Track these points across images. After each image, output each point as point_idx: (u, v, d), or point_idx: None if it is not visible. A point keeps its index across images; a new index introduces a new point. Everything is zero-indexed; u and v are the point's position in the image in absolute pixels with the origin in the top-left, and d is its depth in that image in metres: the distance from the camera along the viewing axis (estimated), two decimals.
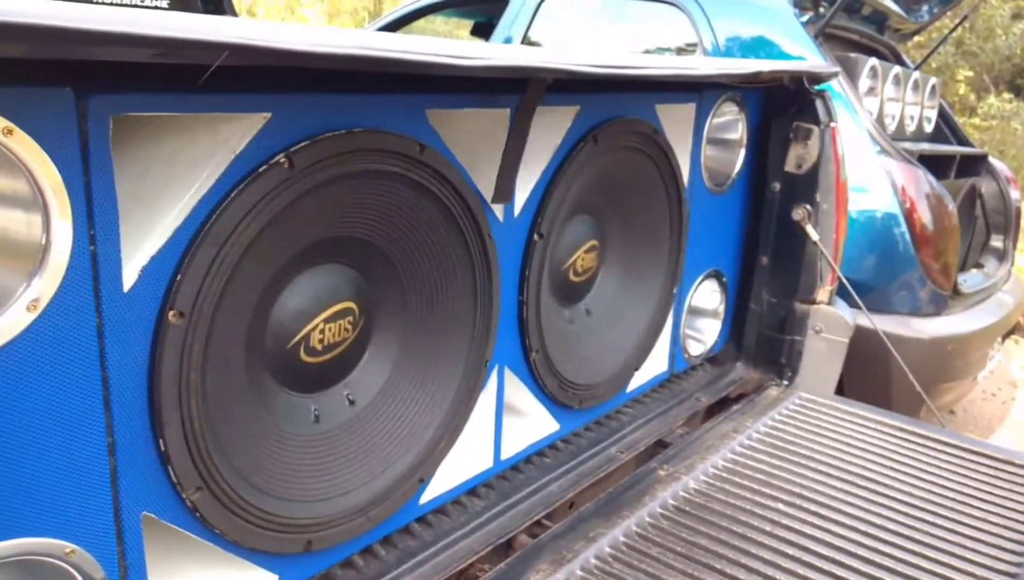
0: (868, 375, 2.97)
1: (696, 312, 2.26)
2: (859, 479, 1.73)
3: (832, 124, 2.14)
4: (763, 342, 2.35)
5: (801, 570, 1.42)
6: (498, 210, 1.49)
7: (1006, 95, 10.88)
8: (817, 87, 2.14)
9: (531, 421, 1.74)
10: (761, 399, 2.17)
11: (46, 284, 0.90)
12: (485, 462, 1.63)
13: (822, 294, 2.23)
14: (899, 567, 1.44)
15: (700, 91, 1.95)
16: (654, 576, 1.38)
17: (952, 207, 3.24)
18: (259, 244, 1.10)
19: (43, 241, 0.90)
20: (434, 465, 1.48)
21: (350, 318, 1.35)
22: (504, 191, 1.42)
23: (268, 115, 1.07)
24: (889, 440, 1.92)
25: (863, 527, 1.56)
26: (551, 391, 1.72)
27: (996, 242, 4.29)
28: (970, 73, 10.94)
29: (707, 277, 2.23)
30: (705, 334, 2.33)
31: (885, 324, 2.74)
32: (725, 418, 2.03)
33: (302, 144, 1.11)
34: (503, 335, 1.57)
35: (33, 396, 0.91)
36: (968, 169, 3.96)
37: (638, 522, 1.54)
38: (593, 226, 1.85)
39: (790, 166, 2.18)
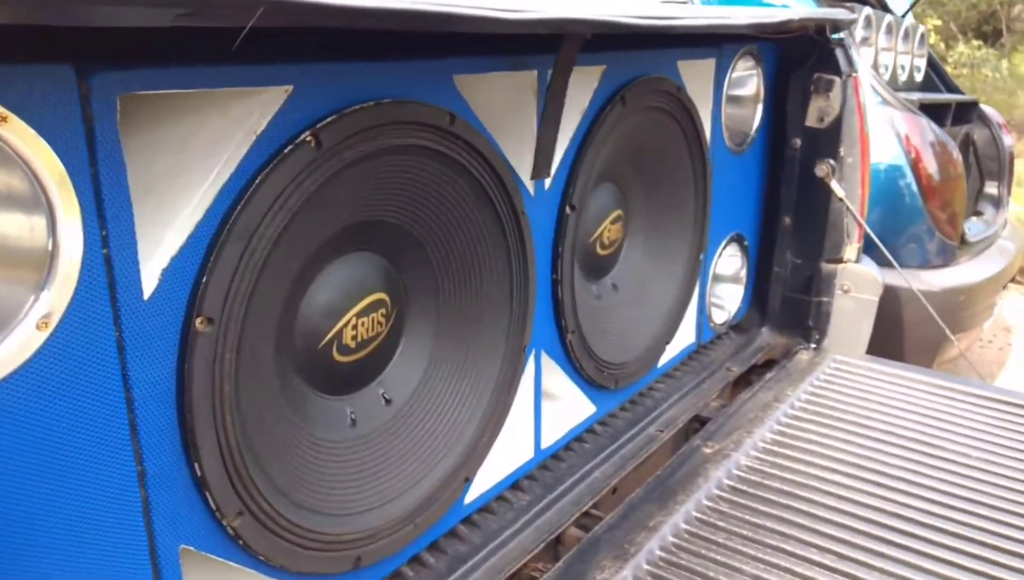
0: (878, 331, 2.91)
1: (719, 278, 2.16)
2: (913, 443, 1.65)
3: (854, 73, 2.03)
4: (788, 305, 2.26)
5: (877, 546, 1.34)
6: (528, 183, 1.37)
7: (975, 42, 10.89)
8: (834, 36, 2.04)
9: (568, 406, 1.64)
10: (793, 365, 2.08)
11: (57, 297, 0.77)
12: (526, 453, 1.52)
13: (849, 252, 2.14)
14: (976, 535, 1.36)
15: (720, 45, 1.84)
16: (726, 564, 1.29)
17: (957, 155, 3.17)
18: (288, 235, 0.97)
19: (49, 246, 0.77)
20: (478, 461, 1.37)
21: (383, 310, 1.23)
22: (543, 163, 1.30)
23: (290, 88, 0.94)
24: (934, 399, 1.84)
25: (929, 494, 1.48)
26: (587, 373, 1.62)
27: (991, 189, 4.24)
28: (938, 22, 10.92)
29: (729, 242, 2.13)
30: (728, 301, 2.24)
31: (895, 278, 2.66)
32: (761, 387, 1.94)
33: (328, 119, 0.98)
34: (538, 317, 1.46)
35: (50, 425, 0.79)
36: (960, 117, 3.90)
37: (696, 506, 1.45)
38: (617, 195, 1.74)
39: (811, 120, 2.08)
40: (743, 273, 2.24)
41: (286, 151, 0.94)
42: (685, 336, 2.02)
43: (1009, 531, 1.37)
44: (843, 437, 1.67)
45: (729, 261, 2.18)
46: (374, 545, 1.17)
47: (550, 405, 1.58)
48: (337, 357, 1.17)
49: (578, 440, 1.68)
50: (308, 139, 0.96)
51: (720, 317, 2.20)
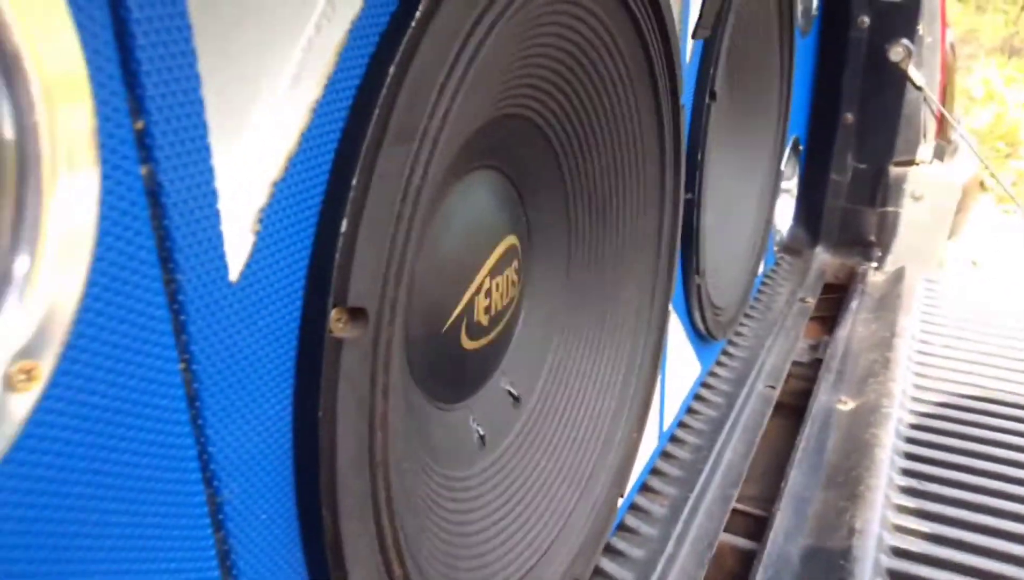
0: None
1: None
2: None
3: None
4: (847, 219, 1.92)
5: None
6: None
7: None
8: None
9: (679, 369, 1.23)
10: (874, 289, 1.76)
11: (43, 307, 0.29)
12: (651, 441, 1.12)
13: (923, 153, 1.82)
14: None
15: None
16: (969, 570, 0.94)
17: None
18: (445, 136, 0.50)
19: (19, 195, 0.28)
20: (628, 468, 0.95)
21: (516, 263, 0.77)
22: (709, 16, 0.86)
23: None
24: None
25: None
26: (704, 324, 1.22)
27: None
28: None
29: (792, 146, 1.75)
30: (780, 218, 1.88)
31: None
32: (859, 321, 1.61)
33: None
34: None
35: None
36: None
37: (893, 485, 1.09)
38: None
39: None
40: (794, 183, 1.88)
41: None
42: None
43: None
44: (1000, 376, 1.35)
45: (787, 170, 1.81)
46: None
47: (668, 371, 1.17)
48: (466, 343, 0.72)
49: (690, 412, 1.29)
50: None
51: (774, 238, 1.84)
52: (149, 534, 0.37)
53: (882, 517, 1.03)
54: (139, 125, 0.32)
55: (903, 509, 1.05)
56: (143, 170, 0.32)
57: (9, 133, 0.27)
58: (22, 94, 0.26)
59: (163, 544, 0.38)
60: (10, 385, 0.28)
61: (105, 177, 0.30)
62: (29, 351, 0.29)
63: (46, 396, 0.30)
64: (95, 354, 0.31)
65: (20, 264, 0.28)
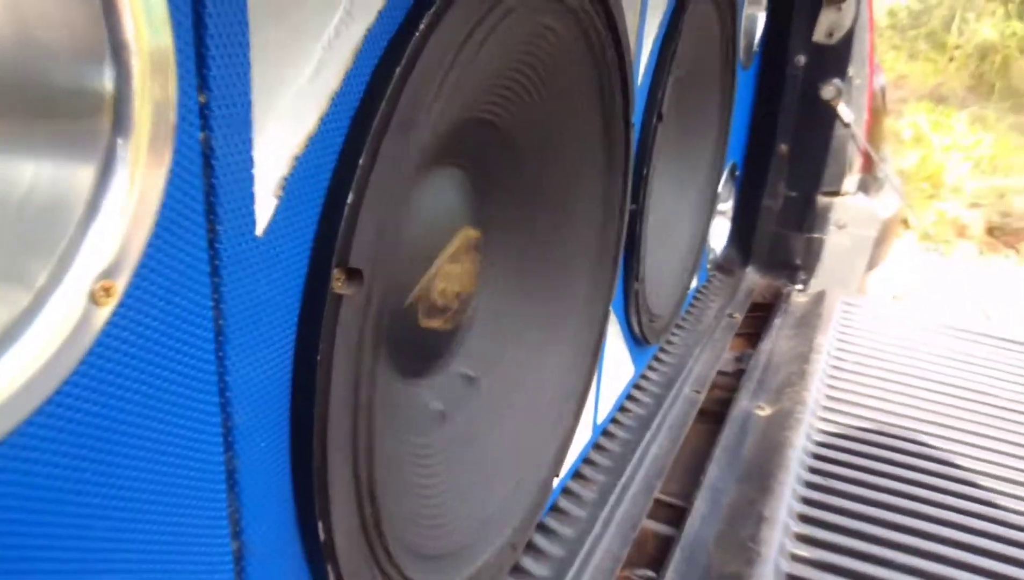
0: None
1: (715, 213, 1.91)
2: (968, 392, 1.50)
3: None
4: (776, 242, 2.06)
5: (996, 501, 1.15)
6: None
7: None
8: None
9: (615, 368, 1.33)
10: (795, 309, 1.89)
11: (124, 239, 0.36)
12: (586, 432, 1.21)
13: (849, 185, 1.97)
14: None
15: None
16: (873, 558, 1.05)
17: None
18: (446, 123, 0.58)
19: (108, 129, 0.35)
20: (566, 451, 1.04)
21: (476, 256, 0.85)
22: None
23: None
24: (964, 344, 1.70)
25: (1008, 448, 1.33)
26: (640, 328, 1.32)
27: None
28: None
29: (729, 171, 1.88)
30: (714, 238, 2.00)
31: None
32: (781, 336, 1.73)
33: None
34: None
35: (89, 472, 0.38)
36: None
37: (800, 480, 1.20)
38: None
39: (819, 35, 1.85)
40: (729, 206, 2.01)
41: None
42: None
43: None
44: (903, 391, 1.49)
45: (724, 193, 1.94)
46: None
47: (605, 369, 1.26)
48: (424, 322, 0.79)
49: (622, 410, 1.38)
50: None
51: (708, 256, 1.96)
52: (172, 450, 0.43)
53: (789, 507, 1.13)
54: (203, 99, 0.39)
55: (808, 501, 1.16)
56: (201, 136, 0.39)
57: (110, 88, 0.34)
58: (129, 68, 0.33)
59: (182, 458, 0.44)
60: (94, 299, 0.35)
61: (176, 138, 0.37)
62: (110, 272, 0.35)
63: (117, 312, 0.36)
64: (153, 282, 0.38)
65: (109, 201, 0.35)
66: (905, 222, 4.52)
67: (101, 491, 0.39)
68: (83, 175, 0.34)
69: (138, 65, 0.34)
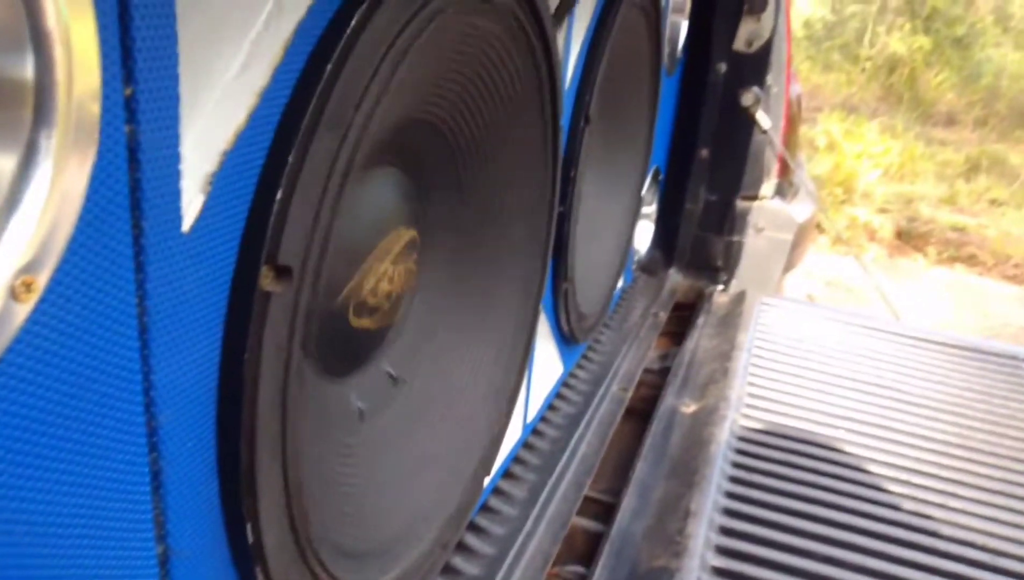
0: None
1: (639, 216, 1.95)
2: (881, 388, 1.57)
3: None
4: (697, 245, 2.11)
5: (914, 495, 1.22)
6: None
7: None
8: None
9: (544, 367, 1.34)
10: (717, 309, 1.94)
11: (45, 231, 0.35)
12: (516, 431, 1.22)
13: (767, 189, 2.03)
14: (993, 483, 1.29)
15: None
16: (797, 549, 1.09)
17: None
18: (373, 123, 0.58)
19: (29, 121, 0.34)
20: (495, 451, 1.04)
21: (409, 255, 0.85)
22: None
23: None
24: (879, 341, 1.78)
25: (916, 442, 1.39)
26: (569, 326, 1.33)
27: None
28: None
29: (652, 175, 1.92)
30: (639, 240, 2.04)
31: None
32: (704, 335, 1.78)
33: None
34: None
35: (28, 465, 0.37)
36: None
37: (724, 475, 1.23)
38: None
39: (739, 44, 1.91)
40: (653, 209, 2.06)
41: None
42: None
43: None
44: (819, 387, 1.54)
45: (648, 196, 1.98)
46: None
47: (534, 368, 1.28)
48: (353, 321, 0.79)
49: (551, 409, 1.40)
50: None
51: (633, 258, 2.00)
52: (94, 451, 0.42)
53: (714, 501, 1.17)
54: (128, 91, 0.38)
55: (732, 495, 1.19)
56: (127, 129, 0.38)
57: (31, 77, 0.33)
58: (51, 57, 0.33)
59: (105, 459, 0.43)
60: (14, 295, 0.34)
61: (101, 131, 0.36)
62: (30, 267, 0.34)
63: (38, 308, 0.35)
64: (76, 278, 0.37)
65: (31, 194, 0.34)
66: (819, 226, 4.69)
67: (20, 494, 0.38)
68: (3, 166, 0.33)
69: (61, 55, 0.33)
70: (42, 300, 0.35)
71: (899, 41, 8.39)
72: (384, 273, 0.81)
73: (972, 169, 6.47)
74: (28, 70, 0.33)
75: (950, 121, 7.89)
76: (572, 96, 1.14)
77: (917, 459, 1.34)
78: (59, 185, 0.35)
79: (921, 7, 8.51)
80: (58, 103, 0.33)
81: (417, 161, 0.84)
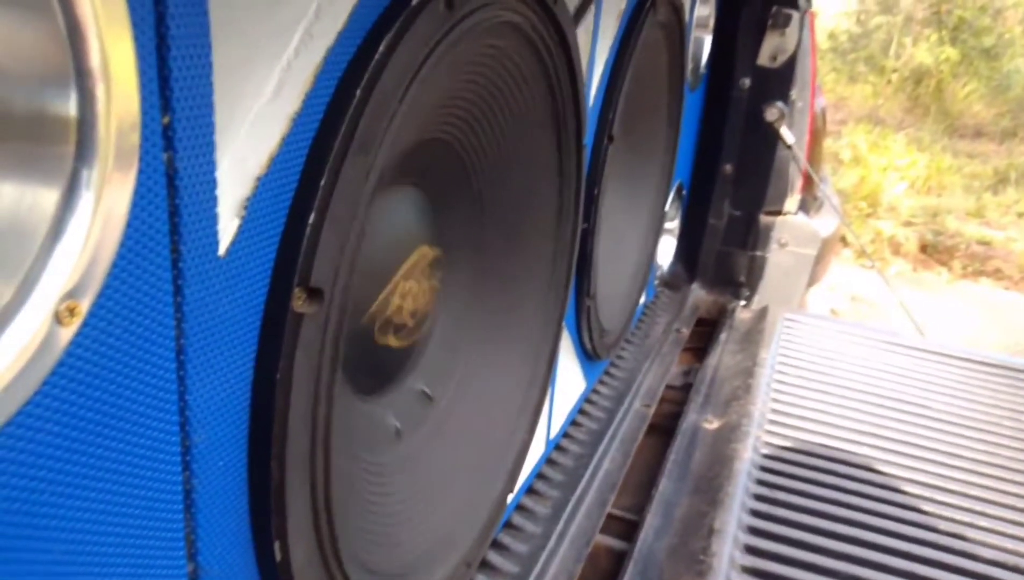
0: None
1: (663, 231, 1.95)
2: (907, 405, 1.55)
3: (810, 8, 1.89)
4: (721, 260, 2.10)
5: (940, 513, 1.20)
6: None
7: None
8: None
9: (567, 383, 1.35)
10: (740, 324, 1.94)
11: (89, 257, 0.36)
12: (538, 447, 1.22)
13: (790, 204, 2.02)
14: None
15: None
16: (817, 568, 1.08)
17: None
18: (403, 144, 0.59)
19: (77, 168, 0.35)
20: (520, 467, 1.05)
21: (434, 274, 0.86)
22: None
23: None
24: (905, 358, 1.76)
25: (945, 459, 1.38)
26: (591, 343, 1.33)
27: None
28: None
29: (676, 190, 1.92)
30: (661, 255, 2.04)
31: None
32: (726, 351, 1.77)
33: None
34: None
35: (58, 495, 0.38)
36: None
37: (748, 493, 1.22)
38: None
39: (763, 59, 1.91)
40: (676, 224, 2.06)
41: (416, 3, 0.55)
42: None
43: None
44: (843, 403, 1.53)
45: (669, 211, 1.98)
46: None
47: (557, 384, 1.28)
48: (381, 339, 0.80)
49: (574, 425, 1.40)
50: None
51: (656, 273, 2.00)
52: (129, 470, 0.43)
53: (738, 519, 1.16)
54: (166, 120, 0.39)
55: (756, 513, 1.18)
56: (165, 156, 0.40)
57: (73, 114, 0.34)
58: (94, 94, 0.34)
59: (139, 478, 0.44)
60: (59, 319, 0.35)
61: (140, 160, 0.37)
62: (74, 292, 0.35)
63: (80, 331, 0.36)
64: (117, 302, 0.38)
65: (74, 223, 0.35)
66: (843, 240, 4.65)
67: (59, 512, 0.39)
68: (47, 197, 0.34)
69: (102, 90, 0.34)
70: (84, 324, 0.37)
71: (926, 52, 8.33)
72: (409, 291, 0.82)
73: (1000, 181, 6.40)
74: (71, 107, 0.34)
75: (977, 133, 7.82)
76: (596, 114, 1.15)
77: (943, 476, 1.33)
78: (101, 213, 0.36)
79: (948, 18, 8.45)
80: (99, 135, 0.35)
81: (440, 181, 0.85)
